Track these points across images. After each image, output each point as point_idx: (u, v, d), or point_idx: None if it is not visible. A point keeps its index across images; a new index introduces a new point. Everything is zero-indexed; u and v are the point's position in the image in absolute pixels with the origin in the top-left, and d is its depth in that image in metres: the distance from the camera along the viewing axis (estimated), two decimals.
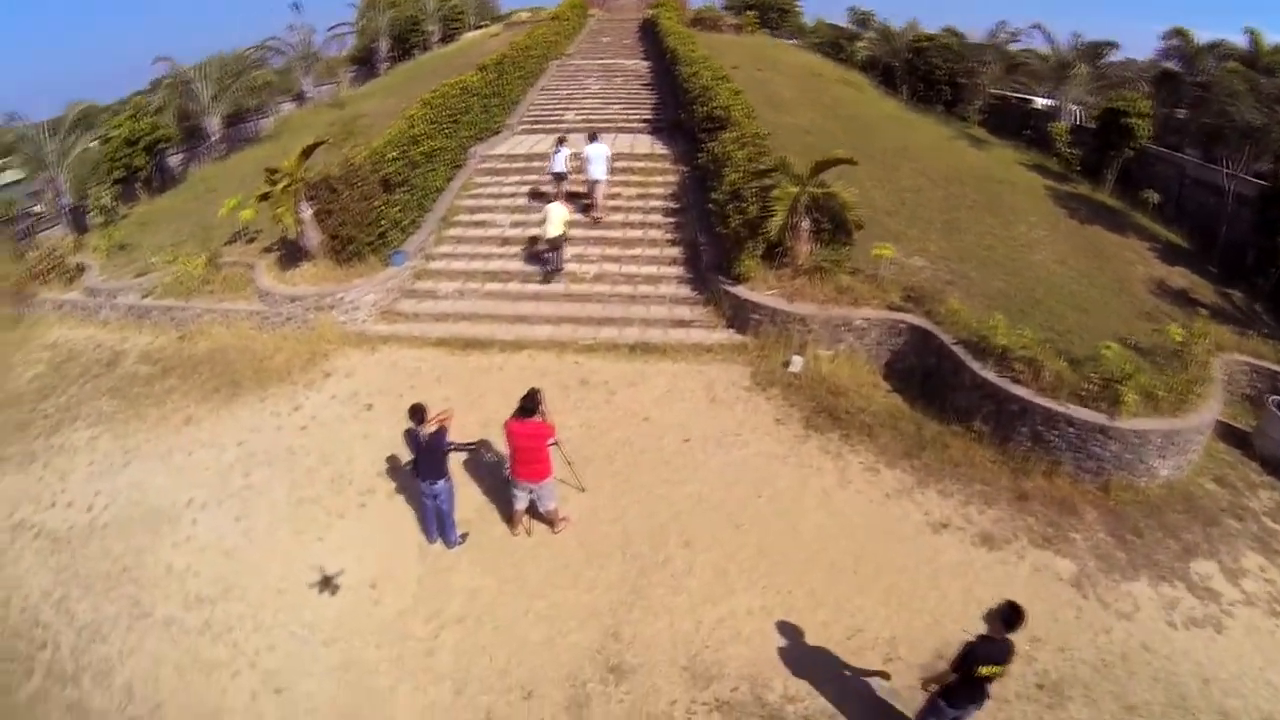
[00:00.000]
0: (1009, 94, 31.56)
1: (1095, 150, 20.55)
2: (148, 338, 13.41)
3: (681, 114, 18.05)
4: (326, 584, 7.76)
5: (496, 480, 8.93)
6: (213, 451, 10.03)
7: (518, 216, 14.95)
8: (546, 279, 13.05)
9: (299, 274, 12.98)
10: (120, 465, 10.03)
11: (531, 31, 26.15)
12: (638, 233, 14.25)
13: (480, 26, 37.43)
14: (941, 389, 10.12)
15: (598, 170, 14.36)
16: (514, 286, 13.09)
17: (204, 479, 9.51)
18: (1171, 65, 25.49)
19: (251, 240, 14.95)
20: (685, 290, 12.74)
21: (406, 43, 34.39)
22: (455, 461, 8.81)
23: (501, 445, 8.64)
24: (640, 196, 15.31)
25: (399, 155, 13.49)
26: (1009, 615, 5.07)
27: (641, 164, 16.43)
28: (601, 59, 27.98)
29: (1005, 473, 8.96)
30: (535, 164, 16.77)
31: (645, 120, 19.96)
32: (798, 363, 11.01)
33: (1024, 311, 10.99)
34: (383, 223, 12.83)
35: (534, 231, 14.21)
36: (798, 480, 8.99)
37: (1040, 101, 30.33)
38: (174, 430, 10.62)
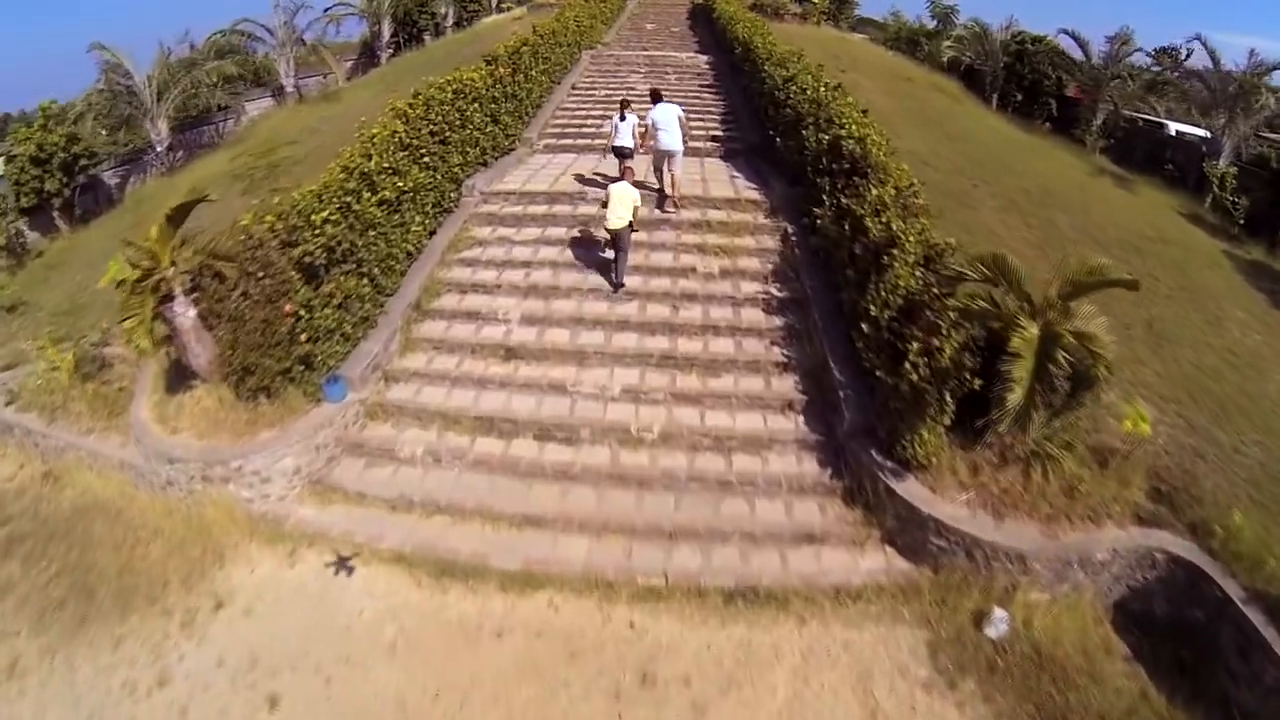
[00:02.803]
0: (1137, 116, 26.12)
1: (1271, 204, 17.42)
2: (9, 467, 9.40)
3: (775, 136, 12.62)
4: None
5: None
6: None
7: (532, 304, 9.67)
8: (615, 290, 9.89)
9: (187, 405, 8.02)
10: None
11: (560, 14, 20.89)
12: (726, 344, 8.89)
13: (503, 9, 32.45)
14: (1213, 665, 6.12)
15: (671, 139, 10.82)
16: (523, 449, 7.82)
17: None
18: None
19: None
20: (810, 465, 7.53)
21: (414, 26, 29.36)
22: None
23: None
24: (725, 274, 9.94)
25: (337, 215, 8.10)
26: None
27: (721, 214, 11.08)
28: (646, 50, 22.97)
29: None
30: (561, 207, 11.61)
31: (714, 138, 14.59)
32: (1001, 622, 6.42)
33: None
34: (302, 339, 7.64)
35: (556, 337, 9.19)
36: None
37: (1174, 127, 25.01)
38: None
